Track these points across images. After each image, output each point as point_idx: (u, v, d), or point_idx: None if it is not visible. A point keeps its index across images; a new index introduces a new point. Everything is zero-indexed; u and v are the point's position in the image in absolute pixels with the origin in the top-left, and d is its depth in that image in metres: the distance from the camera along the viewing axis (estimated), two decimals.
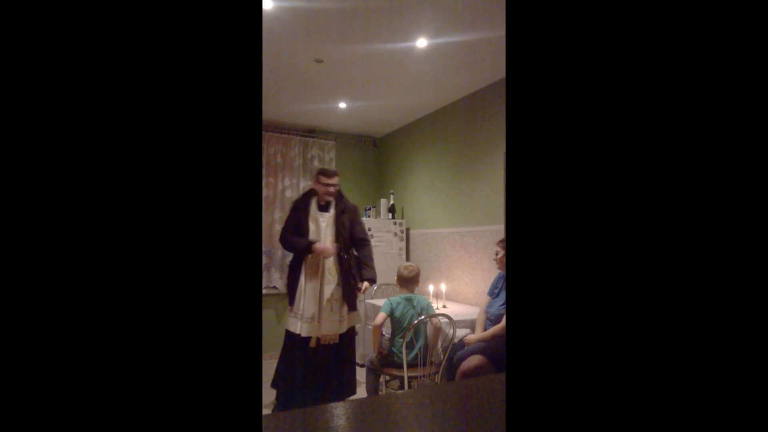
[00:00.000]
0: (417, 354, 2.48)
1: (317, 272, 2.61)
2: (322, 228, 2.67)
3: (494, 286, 2.72)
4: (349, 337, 2.74)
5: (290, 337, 2.62)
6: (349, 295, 2.67)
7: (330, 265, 2.64)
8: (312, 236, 2.63)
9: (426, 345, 2.56)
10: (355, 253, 2.77)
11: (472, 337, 2.57)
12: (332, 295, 2.62)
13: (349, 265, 2.68)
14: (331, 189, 2.69)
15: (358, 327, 3.56)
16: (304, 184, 4.28)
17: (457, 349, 2.56)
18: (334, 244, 2.64)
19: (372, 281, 2.75)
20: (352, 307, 2.70)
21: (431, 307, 2.67)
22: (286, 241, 2.69)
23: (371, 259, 2.78)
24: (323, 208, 2.72)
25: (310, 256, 2.60)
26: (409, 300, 2.60)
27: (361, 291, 2.72)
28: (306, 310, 2.57)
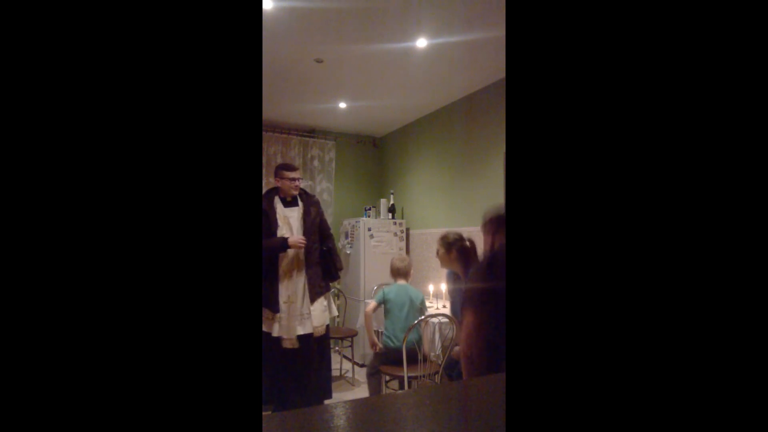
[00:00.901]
0: (414, 346, 2.48)
1: (298, 268, 2.58)
2: (294, 224, 2.62)
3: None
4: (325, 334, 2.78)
5: (278, 343, 2.54)
6: (326, 281, 2.72)
7: (302, 258, 2.61)
8: (284, 233, 2.56)
9: (420, 337, 2.59)
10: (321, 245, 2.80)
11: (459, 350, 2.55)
12: (314, 285, 2.61)
13: (323, 255, 2.71)
14: (297, 182, 2.65)
15: (357, 328, 3.56)
16: (305, 184, 4.27)
17: (455, 367, 2.51)
18: (303, 237, 2.60)
19: (340, 270, 2.88)
20: (328, 287, 2.79)
21: (424, 301, 2.79)
22: None
23: (336, 250, 2.89)
24: (290, 203, 2.66)
25: (287, 255, 2.54)
26: (403, 287, 2.71)
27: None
28: (295, 310, 2.54)
